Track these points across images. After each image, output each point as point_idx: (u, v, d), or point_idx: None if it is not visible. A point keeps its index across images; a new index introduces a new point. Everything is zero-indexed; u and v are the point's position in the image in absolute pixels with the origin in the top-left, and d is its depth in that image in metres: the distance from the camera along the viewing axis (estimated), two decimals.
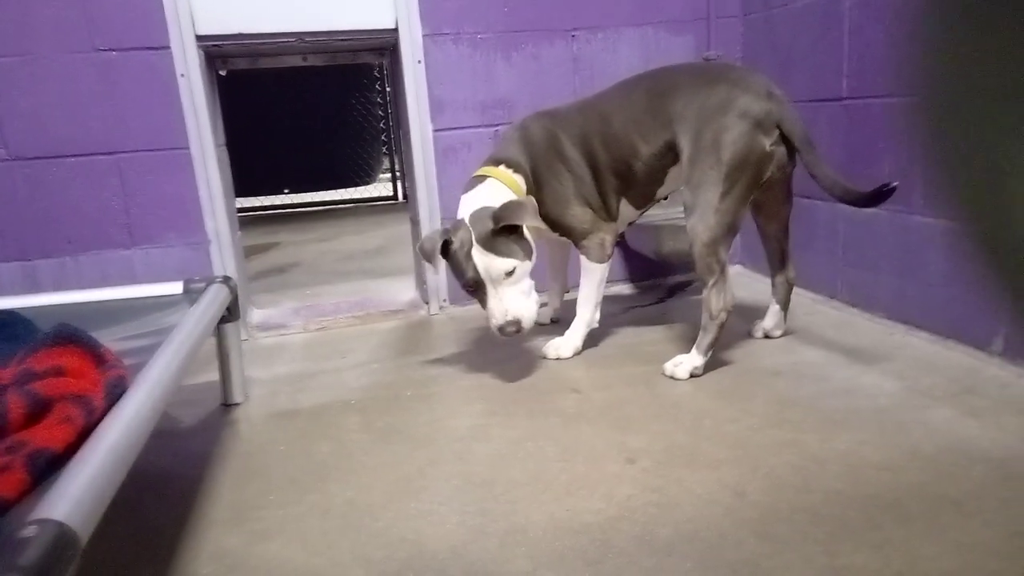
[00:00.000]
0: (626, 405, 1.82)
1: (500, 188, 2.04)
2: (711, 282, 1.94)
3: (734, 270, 3.04)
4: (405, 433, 1.76)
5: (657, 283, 2.97)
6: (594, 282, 2.21)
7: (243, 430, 1.85)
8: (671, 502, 1.37)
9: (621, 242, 2.94)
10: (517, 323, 1.90)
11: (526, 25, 2.67)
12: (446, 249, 1.94)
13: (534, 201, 1.98)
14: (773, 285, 2.24)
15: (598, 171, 2.12)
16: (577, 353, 2.22)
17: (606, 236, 2.17)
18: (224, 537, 1.36)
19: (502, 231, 1.89)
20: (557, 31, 2.70)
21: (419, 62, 2.60)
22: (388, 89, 6.67)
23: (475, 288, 1.94)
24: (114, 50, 2.37)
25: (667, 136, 2.01)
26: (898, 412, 1.65)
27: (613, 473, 1.49)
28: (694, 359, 1.97)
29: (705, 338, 1.97)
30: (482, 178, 2.07)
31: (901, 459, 1.45)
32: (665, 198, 2.20)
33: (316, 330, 2.71)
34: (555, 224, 2.18)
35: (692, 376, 1.95)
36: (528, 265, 1.95)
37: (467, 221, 1.93)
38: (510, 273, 1.90)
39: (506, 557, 1.24)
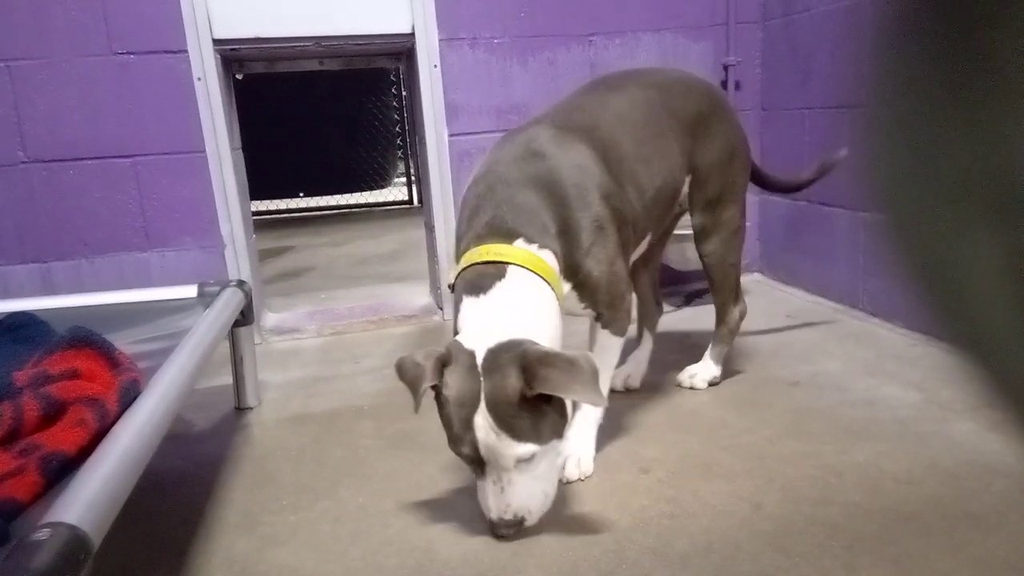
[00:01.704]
0: (641, 414, 1.81)
1: (534, 291, 1.34)
2: (733, 298, 1.91)
3: (752, 279, 3.02)
4: (418, 440, 1.75)
5: (675, 291, 2.95)
6: (613, 365, 1.63)
7: (256, 434, 1.85)
8: (686, 513, 1.35)
9: None
10: (519, 523, 1.28)
11: (543, 30, 2.67)
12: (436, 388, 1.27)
13: (594, 364, 1.22)
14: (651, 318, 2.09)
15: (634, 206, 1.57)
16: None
17: (630, 297, 1.58)
18: (235, 542, 1.36)
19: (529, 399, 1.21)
20: (574, 36, 2.70)
21: (435, 67, 2.60)
22: (404, 93, 6.69)
23: (468, 460, 1.29)
24: (132, 53, 2.38)
25: (687, 148, 1.72)
26: (918, 424, 1.63)
27: (627, 483, 1.48)
28: (711, 368, 1.94)
29: (722, 348, 1.94)
30: (499, 268, 1.33)
31: (921, 472, 1.43)
32: None
33: (330, 334, 2.71)
34: (589, 289, 1.49)
35: (711, 385, 1.93)
36: (556, 446, 1.30)
37: (479, 363, 1.23)
38: (525, 461, 1.25)
39: (518, 567, 1.23)
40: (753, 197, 2.97)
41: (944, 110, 0.27)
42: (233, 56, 2.58)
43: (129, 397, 1.17)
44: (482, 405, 1.21)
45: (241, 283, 1.97)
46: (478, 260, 1.35)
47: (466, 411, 1.22)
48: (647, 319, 2.07)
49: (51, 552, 0.74)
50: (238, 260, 2.58)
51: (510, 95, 2.68)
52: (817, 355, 2.11)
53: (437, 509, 1.43)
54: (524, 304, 1.32)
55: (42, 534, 0.77)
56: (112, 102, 2.40)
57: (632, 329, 1.66)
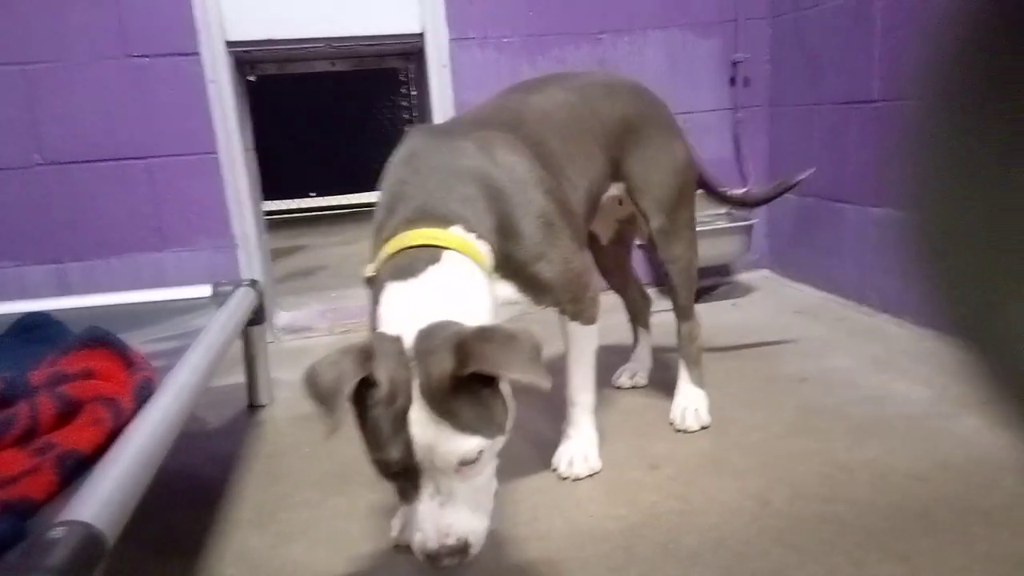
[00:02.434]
0: (649, 411, 1.81)
1: (471, 278, 1.21)
2: (692, 307, 1.77)
3: (761, 275, 3.01)
4: None
5: None
6: (593, 353, 1.56)
7: (268, 432, 1.86)
8: (695, 510, 1.36)
9: (646, 246, 2.91)
10: (464, 549, 1.04)
11: (552, 28, 2.67)
12: (360, 393, 1.04)
13: (537, 341, 1.07)
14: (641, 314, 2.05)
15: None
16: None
17: (594, 283, 1.53)
18: (248, 538, 1.37)
19: (468, 380, 1.03)
20: (583, 34, 2.70)
21: (445, 66, 2.61)
22: (414, 93, 6.70)
23: (397, 474, 1.06)
24: (146, 56, 2.40)
25: (613, 154, 1.64)
26: (927, 421, 1.63)
27: (636, 480, 1.48)
28: (702, 396, 1.77)
29: (700, 370, 1.79)
30: (433, 252, 1.20)
31: (930, 469, 1.43)
32: None
33: (341, 333, 2.72)
34: (543, 291, 1.40)
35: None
36: (500, 443, 1.12)
37: (407, 348, 1.05)
38: (470, 461, 1.04)
39: (528, 563, 1.24)
40: None
41: (1004, 171, 0.27)
42: (245, 58, 2.60)
43: (143, 396, 1.19)
44: (416, 395, 1.01)
45: (254, 282, 1.99)
46: (409, 244, 1.21)
47: (399, 406, 1.01)
48: (638, 317, 2.04)
49: (66, 550, 0.76)
50: (251, 259, 2.60)
51: None
52: (826, 351, 2.11)
53: None
54: (459, 289, 1.17)
55: (57, 532, 0.78)
56: (126, 104, 2.42)
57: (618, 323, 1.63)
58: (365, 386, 1.03)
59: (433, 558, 1.03)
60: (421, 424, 1.01)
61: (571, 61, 2.70)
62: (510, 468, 1.57)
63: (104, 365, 1.25)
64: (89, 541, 0.79)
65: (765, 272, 3.04)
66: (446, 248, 1.20)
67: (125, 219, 2.49)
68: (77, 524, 0.80)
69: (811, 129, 2.64)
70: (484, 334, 1.05)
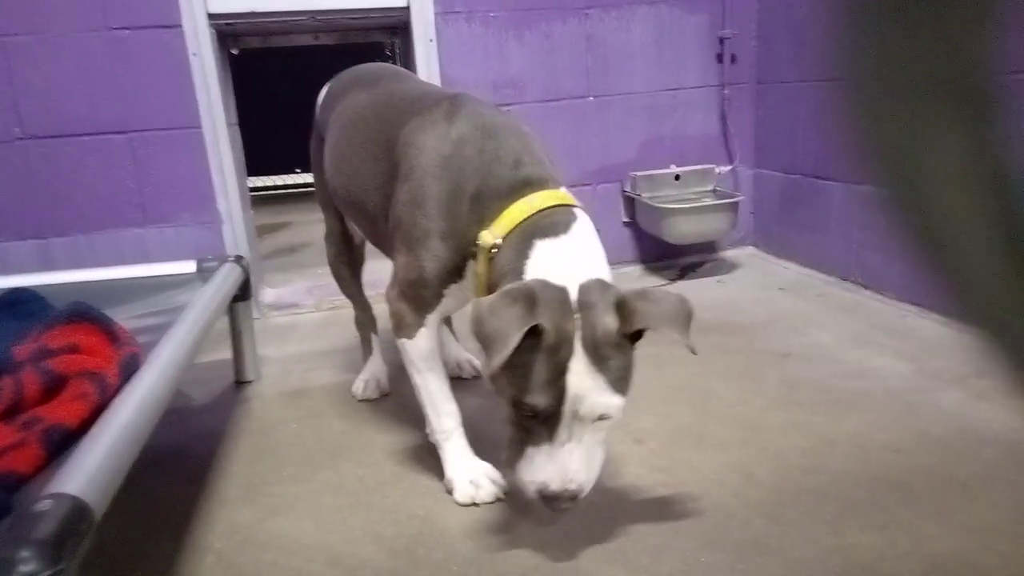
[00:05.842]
0: (633, 386, 1.82)
1: (594, 232, 1.25)
2: None
3: (746, 251, 3.03)
4: (414, 411, 1.76)
5: (668, 264, 2.96)
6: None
7: (255, 408, 1.87)
8: (679, 482, 1.37)
9: (632, 223, 2.92)
10: (576, 496, 1.11)
11: (539, 3, 2.65)
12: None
13: (685, 299, 1.14)
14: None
15: None
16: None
17: None
18: (237, 513, 1.38)
19: (621, 339, 1.10)
20: (570, 9, 2.68)
21: (431, 41, 2.59)
22: None
23: (535, 417, 1.10)
24: (127, 29, 2.37)
25: None
26: (908, 394, 1.65)
27: (621, 453, 1.50)
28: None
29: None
30: (568, 211, 1.23)
31: (910, 441, 1.45)
32: None
33: (328, 309, 2.72)
34: None
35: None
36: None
37: (573, 300, 1.10)
38: (608, 417, 1.12)
39: (514, 535, 1.25)
40: (748, 171, 2.97)
41: (914, 7, 0.28)
42: (228, 31, 2.56)
43: (129, 371, 1.18)
44: (578, 347, 1.07)
45: (239, 258, 1.98)
46: (541, 207, 1.22)
47: (562, 355, 1.06)
48: (373, 324, 2.05)
49: (54, 522, 0.76)
50: (236, 235, 2.59)
51: (506, 69, 2.67)
52: (809, 327, 2.13)
53: (434, 479, 1.45)
54: (597, 245, 1.21)
55: (44, 505, 0.78)
56: (108, 78, 2.39)
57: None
58: (536, 334, 1.06)
59: (550, 499, 1.11)
60: (579, 375, 1.07)
61: (558, 36, 2.68)
62: (492, 439, 1.58)
63: (89, 340, 1.25)
64: (76, 513, 0.79)
65: (750, 249, 3.06)
66: (575, 207, 1.24)
67: (107, 194, 2.47)
68: (64, 496, 0.80)
69: (797, 106, 2.64)
70: (644, 294, 1.11)
